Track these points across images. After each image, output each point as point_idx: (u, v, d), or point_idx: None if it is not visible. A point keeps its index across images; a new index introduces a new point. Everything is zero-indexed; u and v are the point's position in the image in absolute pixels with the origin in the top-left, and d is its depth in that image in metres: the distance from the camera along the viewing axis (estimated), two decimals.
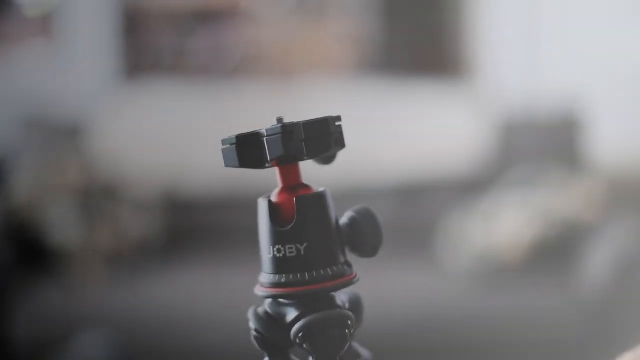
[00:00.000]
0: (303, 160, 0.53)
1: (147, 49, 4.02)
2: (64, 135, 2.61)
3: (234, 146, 0.53)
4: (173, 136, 2.67)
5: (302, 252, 0.51)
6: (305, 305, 0.52)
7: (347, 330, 0.51)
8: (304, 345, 0.51)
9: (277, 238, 0.52)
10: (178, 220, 2.58)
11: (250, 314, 0.54)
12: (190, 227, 2.57)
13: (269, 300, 0.53)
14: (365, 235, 0.52)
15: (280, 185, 0.54)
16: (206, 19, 4.37)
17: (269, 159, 0.52)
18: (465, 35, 3.58)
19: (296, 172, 0.55)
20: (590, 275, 2.16)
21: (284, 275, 0.52)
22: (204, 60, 4.19)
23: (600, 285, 2.11)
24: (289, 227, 0.52)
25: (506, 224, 2.32)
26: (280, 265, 0.52)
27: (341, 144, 0.55)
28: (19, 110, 2.70)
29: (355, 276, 0.53)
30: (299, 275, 0.51)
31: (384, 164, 2.59)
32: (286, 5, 4.26)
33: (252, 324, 0.54)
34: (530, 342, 2.15)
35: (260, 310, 0.54)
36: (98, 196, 2.45)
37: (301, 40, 4.09)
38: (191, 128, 2.69)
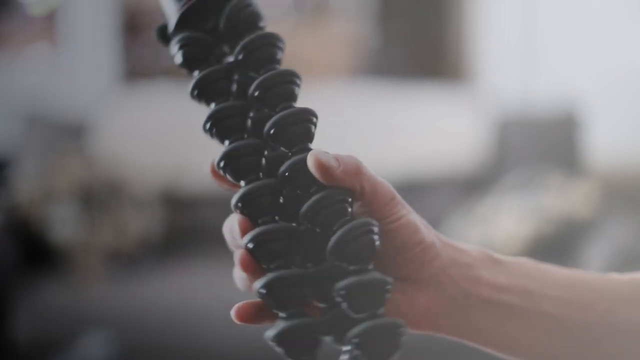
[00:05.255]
0: None
1: (148, 50, 4.04)
2: (65, 135, 2.63)
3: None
4: (173, 135, 2.69)
5: None
6: None
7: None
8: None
9: None
10: (178, 218, 2.59)
11: None
12: (190, 225, 2.59)
13: None
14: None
15: None
16: None
17: None
18: (464, 37, 3.60)
19: None
20: (587, 271, 2.18)
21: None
22: None
23: None
24: None
25: (503, 220, 2.34)
26: None
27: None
28: (22, 110, 2.72)
29: None
30: None
31: (383, 163, 2.61)
32: (286, 7, 4.27)
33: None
34: None
35: None
36: (99, 195, 2.46)
37: (301, 42, 4.11)
38: (190, 127, 2.69)
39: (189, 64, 0.55)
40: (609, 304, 0.57)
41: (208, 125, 0.54)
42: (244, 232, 0.52)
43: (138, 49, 3.99)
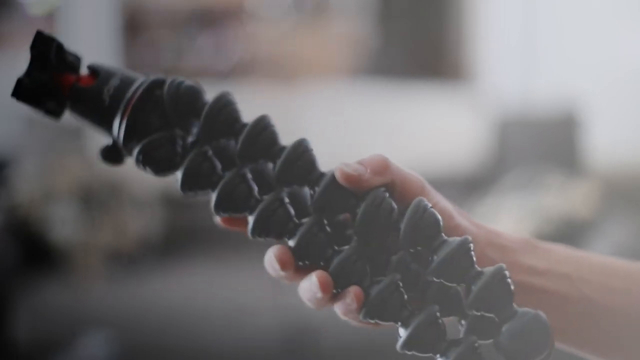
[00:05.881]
0: None
1: (148, 50, 4.04)
2: (65, 135, 2.63)
3: None
4: None
5: None
6: None
7: None
8: None
9: None
10: (178, 218, 2.59)
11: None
12: (190, 225, 2.59)
13: None
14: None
15: None
16: (206, 21, 4.38)
17: None
18: (464, 37, 3.60)
19: None
20: None
21: None
22: (202, 62, 4.21)
23: None
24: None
25: (503, 220, 2.34)
26: None
27: None
28: (22, 110, 2.72)
29: None
30: None
31: None
32: (287, 8, 4.27)
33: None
34: None
35: None
36: (99, 195, 2.47)
37: (301, 42, 4.11)
38: None
39: (164, 167, 0.55)
40: None
41: (253, 224, 0.53)
42: (283, 265, 0.52)
43: (138, 48, 3.99)
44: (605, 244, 2.20)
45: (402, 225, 0.51)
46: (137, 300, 2.26)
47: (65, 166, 2.48)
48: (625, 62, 2.81)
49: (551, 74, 2.92)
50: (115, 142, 0.55)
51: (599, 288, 0.56)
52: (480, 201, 2.47)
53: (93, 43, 3.00)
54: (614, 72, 2.81)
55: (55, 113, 0.57)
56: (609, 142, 2.77)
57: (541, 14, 2.94)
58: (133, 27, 3.96)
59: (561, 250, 0.58)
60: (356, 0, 4.14)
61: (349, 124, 2.69)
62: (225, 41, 4.24)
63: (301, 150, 0.54)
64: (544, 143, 2.60)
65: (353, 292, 0.51)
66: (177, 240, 2.57)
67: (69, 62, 0.57)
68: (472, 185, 2.58)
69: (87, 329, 2.19)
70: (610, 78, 2.81)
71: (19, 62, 3.17)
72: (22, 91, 0.56)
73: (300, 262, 0.52)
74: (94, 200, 2.45)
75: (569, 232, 2.32)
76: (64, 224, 2.39)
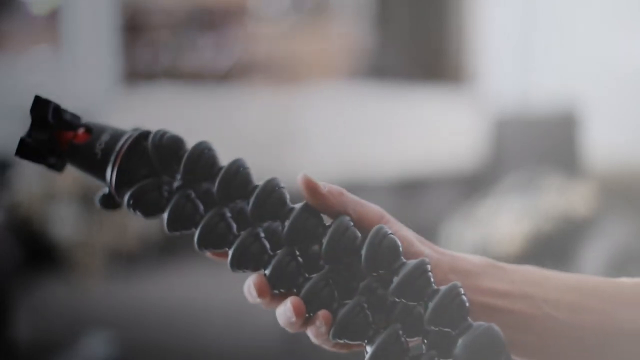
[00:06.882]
0: None
1: (148, 52, 4.05)
2: None
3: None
4: None
5: None
6: None
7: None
8: None
9: None
10: None
11: None
12: None
13: None
14: None
15: None
16: (205, 22, 4.39)
17: None
18: (463, 38, 3.61)
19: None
20: (585, 268, 2.19)
21: None
22: (202, 62, 4.22)
23: None
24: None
25: (502, 219, 2.35)
26: None
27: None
28: (23, 110, 2.73)
29: None
30: None
31: (383, 164, 2.61)
32: (287, 9, 4.28)
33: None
34: None
35: None
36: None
37: (300, 43, 4.11)
38: (190, 129, 2.70)
39: (152, 210, 0.60)
40: (613, 307, 0.57)
41: (231, 258, 0.59)
42: (260, 293, 0.57)
43: (139, 49, 4.00)
44: (603, 243, 2.20)
45: (363, 251, 0.55)
46: (137, 300, 2.26)
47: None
48: (624, 62, 2.82)
49: (550, 75, 2.93)
50: (109, 190, 0.61)
51: (563, 307, 0.57)
52: (479, 201, 2.47)
53: (93, 43, 3.01)
54: (613, 72, 2.82)
55: (57, 167, 0.63)
56: (608, 142, 2.78)
57: (540, 14, 2.94)
58: (133, 27, 3.97)
59: (525, 271, 0.59)
60: (356, 1, 4.14)
61: (348, 125, 2.70)
62: (225, 41, 4.25)
63: (271, 188, 0.58)
64: (542, 143, 2.60)
65: (321, 316, 0.55)
66: (177, 240, 2.58)
67: (66, 120, 0.62)
68: (471, 186, 2.59)
69: (87, 328, 2.19)
70: (608, 78, 2.82)
71: (20, 62, 3.18)
72: (25, 150, 0.62)
73: (275, 290, 0.57)
74: (95, 199, 2.46)
75: (568, 231, 2.33)
76: (64, 224, 2.40)
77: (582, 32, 2.87)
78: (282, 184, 0.58)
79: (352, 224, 0.56)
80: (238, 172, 0.58)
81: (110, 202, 0.62)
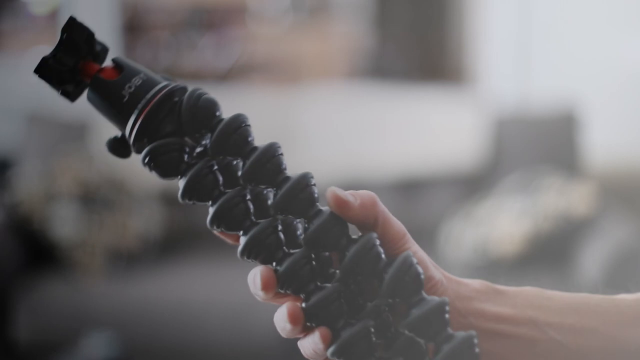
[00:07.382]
0: None
1: (148, 50, 4.05)
2: (67, 135, 2.64)
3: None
4: None
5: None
6: None
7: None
8: None
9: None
10: (178, 218, 2.60)
11: None
12: (190, 225, 2.60)
13: None
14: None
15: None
16: (206, 22, 4.39)
17: None
18: (463, 39, 3.61)
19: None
20: (584, 267, 2.19)
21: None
22: (202, 62, 4.22)
23: (593, 277, 2.14)
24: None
25: (502, 219, 2.35)
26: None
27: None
28: (24, 110, 2.73)
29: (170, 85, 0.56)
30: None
31: (383, 164, 2.62)
32: (287, 9, 4.28)
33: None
34: None
35: None
36: (100, 194, 2.48)
37: (300, 43, 4.11)
38: None
39: (169, 171, 0.56)
40: (616, 327, 0.57)
41: (244, 245, 0.55)
42: (265, 286, 0.54)
43: (139, 49, 4.00)
44: (603, 243, 2.21)
45: (387, 276, 0.53)
46: (137, 300, 2.27)
47: (67, 166, 2.49)
48: (624, 63, 2.82)
49: (549, 75, 2.93)
50: (124, 137, 0.57)
51: (566, 330, 0.57)
52: (479, 201, 2.48)
53: None
54: (612, 72, 2.82)
55: (71, 96, 0.58)
56: (608, 142, 2.79)
57: (540, 15, 2.95)
58: (133, 27, 3.97)
59: (526, 293, 0.59)
60: (356, 2, 4.15)
61: (348, 125, 2.70)
62: (225, 41, 4.25)
63: (304, 184, 0.55)
64: (542, 143, 2.61)
65: (321, 333, 0.53)
66: (177, 240, 2.58)
67: (96, 51, 0.58)
68: (471, 186, 2.59)
69: (87, 328, 2.19)
70: (608, 78, 2.82)
71: (20, 62, 3.18)
72: (45, 70, 0.56)
73: (281, 289, 0.55)
74: (95, 200, 2.46)
75: (567, 231, 2.33)
76: (64, 224, 2.40)
77: (582, 33, 2.88)
78: (314, 182, 0.55)
79: (378, 242, 0.54)
80: (272, 158, 0.55)
81: (120, 149, 0.57)
